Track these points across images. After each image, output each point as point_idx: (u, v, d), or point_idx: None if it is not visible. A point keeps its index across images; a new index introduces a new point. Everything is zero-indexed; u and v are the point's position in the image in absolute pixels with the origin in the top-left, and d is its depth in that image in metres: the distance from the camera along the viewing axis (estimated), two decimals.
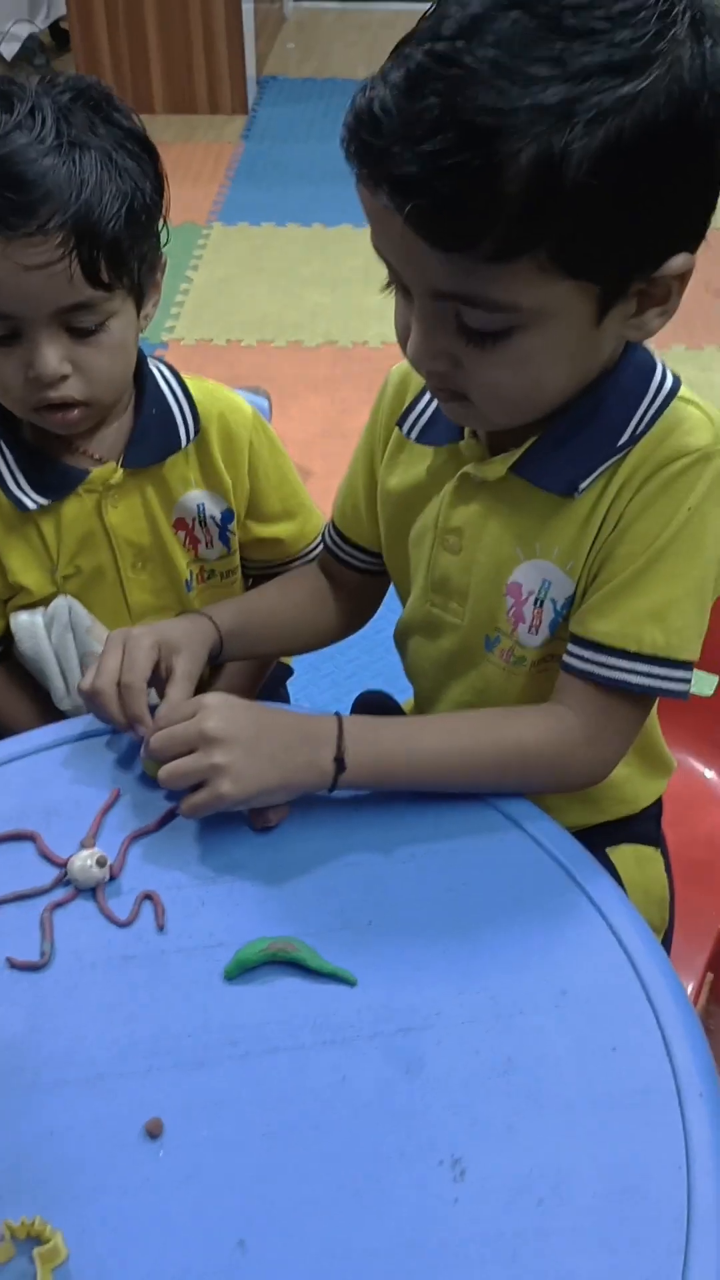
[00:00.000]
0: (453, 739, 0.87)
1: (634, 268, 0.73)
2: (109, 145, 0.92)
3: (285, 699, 1.38)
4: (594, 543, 0.86)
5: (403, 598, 1.05)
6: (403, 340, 0.80)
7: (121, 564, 1.11)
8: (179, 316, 3.06)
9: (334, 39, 5.00)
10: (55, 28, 4.68)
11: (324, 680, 1.96)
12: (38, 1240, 0.63)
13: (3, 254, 0.88)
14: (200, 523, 1.13)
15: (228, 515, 1.15)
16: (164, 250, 1.03)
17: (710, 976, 1.10)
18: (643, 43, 0.65)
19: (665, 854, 1.09)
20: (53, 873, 0.83)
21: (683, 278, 0.74)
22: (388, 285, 0.79)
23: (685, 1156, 0.66)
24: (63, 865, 0.83)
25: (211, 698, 0.86)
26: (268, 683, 1.28)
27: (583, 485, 0.85)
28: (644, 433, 0.84)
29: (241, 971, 0.76)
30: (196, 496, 1.12)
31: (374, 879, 0.83)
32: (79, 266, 0.90)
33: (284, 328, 3.05)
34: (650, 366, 0.86)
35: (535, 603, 0.90)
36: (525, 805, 0.88)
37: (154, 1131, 0.68)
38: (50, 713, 1.13)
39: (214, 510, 1.13)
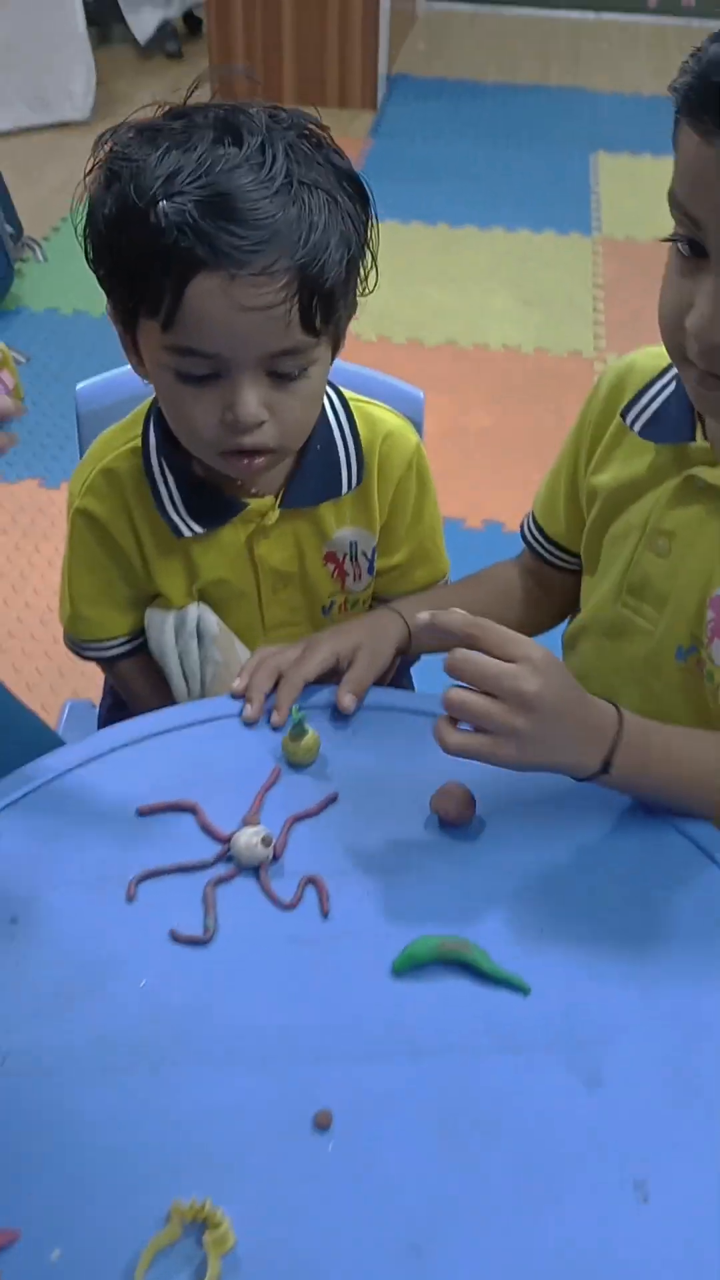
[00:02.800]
0: (703, 766, 0.82)
1: None
2: (332, 186, 0.86)
3: (410, 686, 1.35)
4: None
5: (585, 596, 1.02)
6: (672, 312, 0.76)
7: (263, 587, 1.08)
8: None
9: (463, 40, 4.99)
10: (189, 15, 4.72)
11: None
12: (204, 1224, 0.62)
13: (224, 292, 0.82)
14: (351, 558, 1.10)
15: (376, 550, 1.12)
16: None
17: None
18: None
19: None
20: (214, 848, 0.82)
21: None
22: (676, 241, 0.74)
23: None
24: (225, 841, 0.81)
25: (540, 654, 0.77)
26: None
27: None
28: None
29: (410, 967, 0.74)
30: (349, 534, 1.08)
31: (549, 888, 0.80)
32: (298, 312, 0.85)
33: (403, 325, 3.03)
34: None
35: None
36: (706, 828, 0.84)
37: (323, 1123, 0.66)
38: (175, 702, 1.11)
39: (365, 547, 1.10)
